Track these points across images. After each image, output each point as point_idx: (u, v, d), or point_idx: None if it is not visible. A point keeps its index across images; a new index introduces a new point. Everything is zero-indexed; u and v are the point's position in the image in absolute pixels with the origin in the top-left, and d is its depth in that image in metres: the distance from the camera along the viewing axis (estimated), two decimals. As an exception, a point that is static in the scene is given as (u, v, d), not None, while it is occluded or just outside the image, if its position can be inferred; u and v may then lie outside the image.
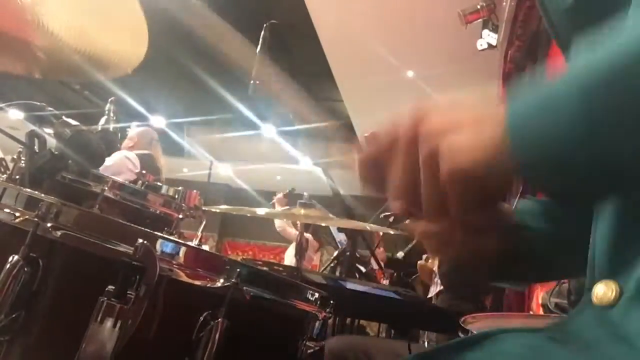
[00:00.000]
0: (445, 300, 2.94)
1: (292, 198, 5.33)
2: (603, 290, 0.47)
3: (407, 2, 4.91)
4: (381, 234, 4.36)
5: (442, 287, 3.05)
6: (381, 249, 4.63)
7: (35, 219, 0.70)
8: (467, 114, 0.42)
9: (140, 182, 1.60)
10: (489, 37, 4.71)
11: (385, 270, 4.54)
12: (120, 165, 3.34)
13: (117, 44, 1.46)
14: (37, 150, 1.21)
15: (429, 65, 5.76)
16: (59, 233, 0.71)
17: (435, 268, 3.16)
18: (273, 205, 5.39)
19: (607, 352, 0.44)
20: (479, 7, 4.54)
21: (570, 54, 0.55)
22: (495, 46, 4.78)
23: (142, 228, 0.73)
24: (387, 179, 0.48)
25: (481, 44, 4.73)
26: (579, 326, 0.50)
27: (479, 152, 0.40)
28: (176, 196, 1.64)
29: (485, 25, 4.68)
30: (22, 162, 1.26)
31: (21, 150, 1.28)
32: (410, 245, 4.60)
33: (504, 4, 4.47)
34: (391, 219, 4.82)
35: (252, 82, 2.07)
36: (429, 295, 3.29)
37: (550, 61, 4.47)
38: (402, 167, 0.45)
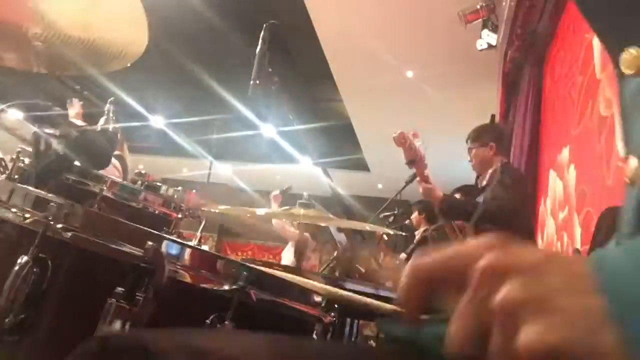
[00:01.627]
0: None
1: (288, 196, 5.33)
2: None
3: (407, 2, 4.92)
4: (385, 237, 4.35)
5: None
6: (390, 254, 4.62)
7: (45, 220, 0.70)
8: (557, 283, 0.34)
9: (139, 182, 1.59)
10: (488, 37, 4.71)
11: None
12: (109, 173, 3.32)
13: (116, 35, 1.46)
14: (42, 151, 1.21)
15: (429, 65, 5.77)
16: (68, 234, 0.70)
17: None
18: (269, 202, 5.39)
19: None
20: (478, 7, 4.55)
21: (604, 34, 0.53)
22: (495, 46, 4.79)
23: (151, 230, 0.73)
24: (431, 302, 0.42)
25: (481, 44, 4.74)
26: None
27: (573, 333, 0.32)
28: (175, 196, 1.63)
29: (484, 26, 4.69)
30: (21, 161, 1.26)
31: (20, 150, 1.27)
32: (412, 246, 4.59)
33: (504, 4, 4.48)
34: (390, 219, 4.81)
35: (251, 82, 2.06)
36: None
37: (549, 62, 4.48)
38: (471, 315, 0.36)
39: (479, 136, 3.07)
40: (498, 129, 3.24)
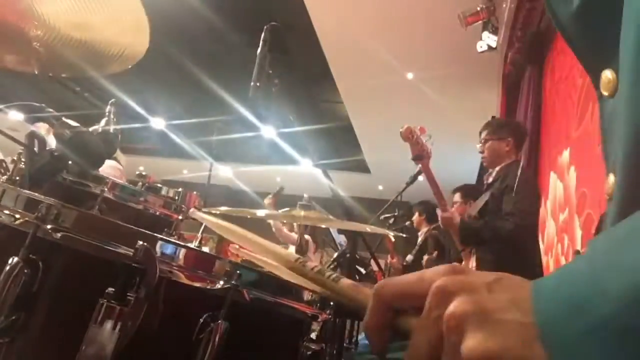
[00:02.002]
0: None
1: (285, 197, 5.36)
2: None
3: (407, 4, 4.92)
4: (393, 239, 4.34)
5: None
6: (395, 259, 4.62)
7: (35, 221, 0.70)
8: (501, 301, 0.37)
9: (140, 183, 1.59)
10: (488, 39, 4.72)
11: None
12: (113, 176, 3.31)
13: (117, 36, 1.46)
14: (37, 152, 1.21)
15: (429, 67, 5.77)
16: (58, 235, 0.70)
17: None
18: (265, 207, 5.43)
19: None
20: (478, 9, 4.55)
21: (583, 57, 0.55)
22: (495, 48, 4.79)
23: (142, 230, 0.73)
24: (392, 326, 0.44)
25: (481, 46, 4.74)
26: None
27: (509, 344, 0.35)
28: (176, 197, 1.63)
29: (485, 27, 4.69)
30: (22, 163, 1.26)
31: (21, 151, 1.27)
32: (416, 248, 4.59)
33: (504, 6, 4.48)
34: (391, 221, 4.81)
35: (252, 83, 2.06)
36: None
37: (549, 64, 4.48)
38: (424, 338, 0.40)
39: (498, 129, 2.97)
40: (519, 127, 3.14)
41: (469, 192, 3.55)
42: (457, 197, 3.50)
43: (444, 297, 0.38)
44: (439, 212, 2.77)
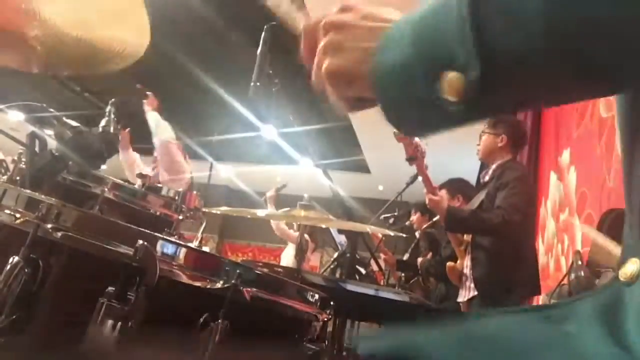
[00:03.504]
0: (481, 307, 2.75)
1: (282, 196, 5.37)
2: (631, 268, 0.46)
3: (407, 3, 4.92)
4: (382, 237, 4.33)
5: (475, 293, 2.86)
6: (389, 253, 4.60)
7: (36, 220, 0.70)
8: (355, 35, 0.51)
9: (140, 183, 1.59)
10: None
11: (393, 272, 4.52)
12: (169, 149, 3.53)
13: (117, 34, 1.45)
14: (37, 152, 1.21)
15: (429, 66, 5.76)
16: (59, 234, 0.70)
17: (466, 270, 2.98)
18: (265, 202, 5.45)
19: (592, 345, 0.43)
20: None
21: None
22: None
23: (143, 229, 0.73)
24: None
25: (481, 46, 4.74)
26: (588, 304, 0.49)
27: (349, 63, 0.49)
28: (176, 197, 1.64)
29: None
30: (23, 163, 1.26)
31: (21, 151, 1.28)
32: (412, 245, 4.58)
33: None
34: (391, 221, 4.81)
35: (252, 83, 2.06)
36: (459, 300, 3.07)
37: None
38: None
39: (495, 123, 2.95)
40: (515, 126, 3.11)
41: (457, 187, 3.54)
42: (442, 193, 3.45)
43: (325, 28, 0.53)
44: (426, 194, 2.75)
